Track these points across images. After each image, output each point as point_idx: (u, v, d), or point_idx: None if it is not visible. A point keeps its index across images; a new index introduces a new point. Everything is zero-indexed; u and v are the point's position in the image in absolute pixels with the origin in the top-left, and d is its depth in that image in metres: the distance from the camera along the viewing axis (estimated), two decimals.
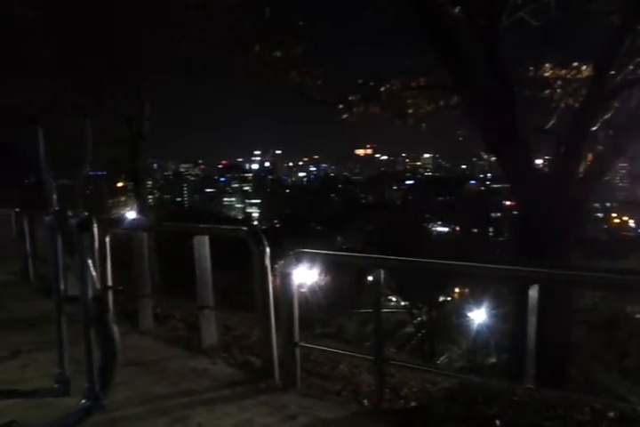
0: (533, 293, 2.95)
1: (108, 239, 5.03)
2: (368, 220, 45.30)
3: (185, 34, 7.72)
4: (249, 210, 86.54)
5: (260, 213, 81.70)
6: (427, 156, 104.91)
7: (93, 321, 2.70)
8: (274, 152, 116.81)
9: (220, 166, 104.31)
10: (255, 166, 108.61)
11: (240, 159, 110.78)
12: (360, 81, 6.90)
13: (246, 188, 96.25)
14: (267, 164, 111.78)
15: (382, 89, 6.55)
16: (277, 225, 54.01)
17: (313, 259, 3.83)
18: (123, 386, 3.43)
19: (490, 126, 5.47)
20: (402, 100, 6.54)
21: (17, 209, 7.51)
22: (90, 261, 2.79)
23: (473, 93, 5.35)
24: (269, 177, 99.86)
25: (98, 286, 2.73)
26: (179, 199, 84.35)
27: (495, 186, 65.67)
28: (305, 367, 3.87)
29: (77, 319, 2.85)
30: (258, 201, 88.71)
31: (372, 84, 6.76)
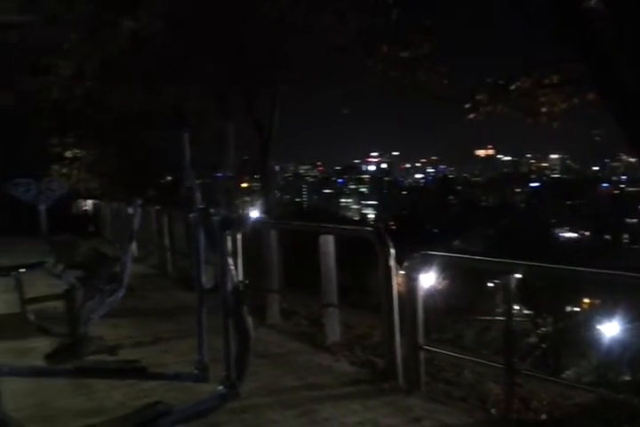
0: None
1: (239, 236, 5.31)
2: (488, 223, 43.68)
3: (315, 38, 7.94)
4: (365, 211, 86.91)
5: (375, 214, 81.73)
6: (554, 157, 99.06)
7: (231, 313, 2.85)
8: (391, 153, 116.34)
9: (337, 168, 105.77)
10: (372, 168, 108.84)
11: (357, 160, 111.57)
12: (489, 79, 6.69)
13: (363, 189, 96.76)
14: (383, 165, 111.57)
15: (513, 87, 6.30)
16: (393, 227, 53.71)
17: (438, 261, 3.78)
18: (252, 377, 3.59)
19: (632, 124, 5.04)
20: (534, 99, 6.24)
21: (157, 207, 8.15)
22: (228, 257, 2.96)
23: (613, 90, 4.97)
24: (386, 178, 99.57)
25: (235, 280, 2.88)
26: (297, 200, 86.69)
27: (631, 189, 60.61)
28: (428, 371, 3.83)
29: (214, 311, 3.04)
30: (374, 202, 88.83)
31: (501, 82, 6.52)
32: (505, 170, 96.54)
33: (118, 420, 2.60)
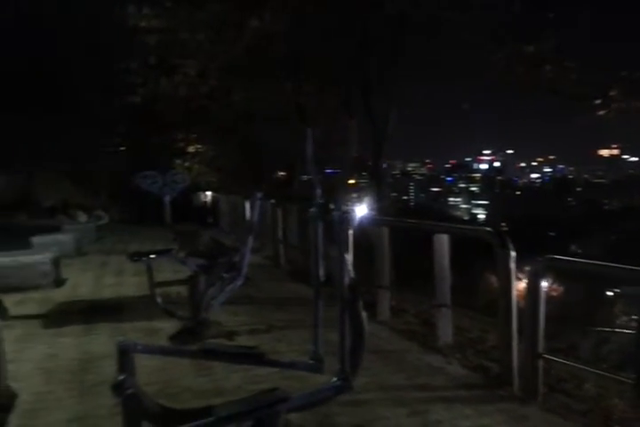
0: None
1: (350, 232, 5.36)
2: (611, 229, 40.70)
3: (439, 35, 7.80)
4: (475, 211, 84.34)
5: (486, 214, 79.07)
6: None
7: (347, 307, 2.89)
8: (505, 152, 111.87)
9: (447, 166, 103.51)
10: (484, 166, 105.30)
11: (468, 159, 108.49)
12: (623, 73, 6.20)
13: (473, 188, 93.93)
14: (496, 164, 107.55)
15: None
16: (505, 228, 51.61)
17: (564, 267, 3.59)
18: (363, 372, 3.62)
19: None
20: None
21: (272, 201, 8.43)
22: (346, 252, 3.00)
23: None
24: (498, 178, 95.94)
25: (352, 274, 2.91)
26: (404, 197, 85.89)
27: None
28: (545, 381, 3.65)
29: (327, 304, 3.09)
30: (484, 202, 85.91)
31: (638, 75, 6.02)
32: (631, 171, 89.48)
33: (238, 402, 2.72)
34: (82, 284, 7.57)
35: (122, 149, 24.90)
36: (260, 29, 7.96)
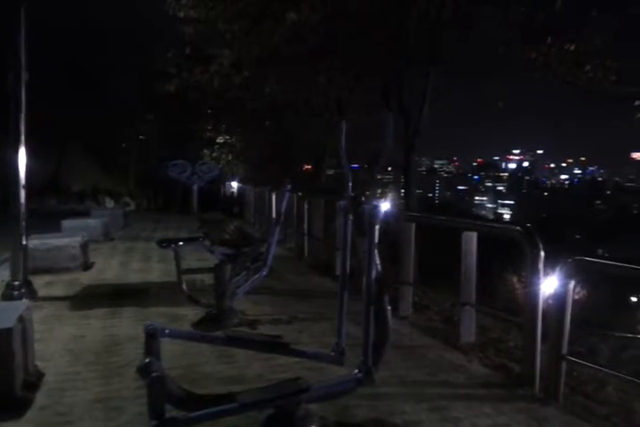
0: None
1: (377, 227, 5.35)
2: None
3: (476, 31, 7.71)
4: (500, 211, 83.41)
5: (511, 214, 78.12)
6: None
7: (373, 300, 2.90)
8: (534, 152, 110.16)
9: (474, 164, 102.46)
10: (512, 166, 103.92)
11: (496, 158, 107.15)
12: None
13: (500, 187, 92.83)
14: (525, 164, 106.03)
15: None
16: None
17: (591, 268, 3.54)
18: (383, 366, 3.64)
19: None
20: None
21: (299, 193, 8.45)
22: (375, 246, 3.00)
23: None
24: (526, 178, 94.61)
25: (380, 268, 2.92)
26: (429, 195, 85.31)
27: None
28: (567, 383, 3.62)
29: (351, 297, 3.11)
30: (511, 202, 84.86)
31: None
32: None
33: (260, 390, 2.76)
34: (109, 268, 7.71)
35: (152, 137, 25.21)
36: (298, 21, 7.96)
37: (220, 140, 21.44)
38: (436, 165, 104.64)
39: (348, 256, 3.15)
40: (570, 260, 3.32)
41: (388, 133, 3.10)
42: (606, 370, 3.59)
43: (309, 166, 19.86)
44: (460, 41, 7.99)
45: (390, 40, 8.02)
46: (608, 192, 78.63)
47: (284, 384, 2.79)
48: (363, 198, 3.01)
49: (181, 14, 9.24)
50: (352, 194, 3.02)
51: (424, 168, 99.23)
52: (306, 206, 8.37)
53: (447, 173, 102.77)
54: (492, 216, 72.51)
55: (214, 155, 21.50)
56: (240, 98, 12.41)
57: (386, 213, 5.31)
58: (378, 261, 3.00)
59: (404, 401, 3.32)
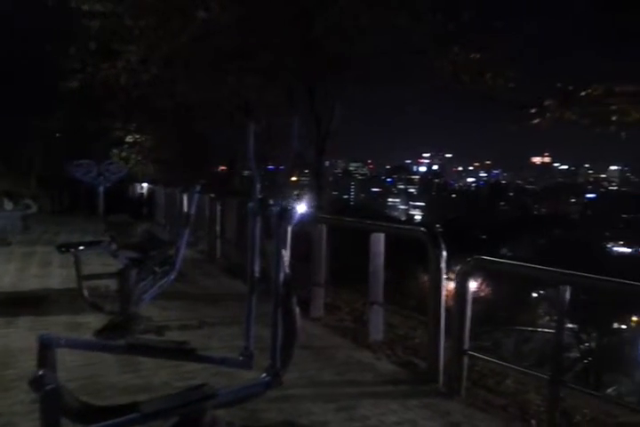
0: None
1: (289, 229, 5.35)
2: (539, 233, 42.57)
3: (387, 38, 7.89)
4: (412, 212, 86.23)
5: (422, 215, 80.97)
6: (613, 168, 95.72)
7: (281, 303, 2.89)
8: (443, 155, 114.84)
9: (388, 167, 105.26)
10: (423, 169, 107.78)
11: (408, 161, 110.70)
12: (559, 84, 6.50)
13: (411, 190, 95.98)
14: (435, 167, 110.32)
15: (583, 94, 6.11)
16: (439, 230, 53.02)
17: (491, 267, 3.73)
18: (293, 367, 3.64)
19: None
20: (605, 107, 6.03)
21: (211, 195, 8.31)
22: (283, 248, 2.99)
23: None
24: (436, 180, 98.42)
25: (287, 270, 2.92)
26: (345, 196, 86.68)
27: None
28: (469, 377, 3.79)
29: (261, 300, 3.09)
30: (422, 204, 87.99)
31: (571, 88, 6.33)
32: (560, 179, 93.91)
33: (164, 398, 2.67)
34: (5, 274, 7.22)
35: (57, 135, 23.87)
36: (207, 20, 7.82)
37: (129, 139, 20.68)
38: (351, 168, 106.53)
39: (257, 258, 3.13)
40: (469, 259, 3.47)
41: (294, 136, 3.10)
42: (504, 363, 3.78)
43: (225, 167, 19.59)
44: (374, 47, 8.16)
45: (302, 43, 8.07)
46: (511, 194, 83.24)
47: (190, 391, 2.72)
48: (271, 200, 2.99)
49: (86, 7, 8.82)
50: (260, 196, 3.00)
51: (340, 170, 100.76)
52: (218, 208, 8.25)
53: (362, 175, 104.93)
54: (404, 217, 74.77)
55: (123, 154, 20.71)
56: (149, 96, 12.03)
57: (302, 214, 5.32)
58: (286, 263, 3.00)
59: (312, 402, 3.34)
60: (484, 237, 47.26)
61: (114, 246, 4.96)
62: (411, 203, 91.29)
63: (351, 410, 3.26)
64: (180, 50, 8.56)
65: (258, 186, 3.00)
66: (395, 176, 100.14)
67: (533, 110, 6.52)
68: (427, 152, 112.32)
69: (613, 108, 6.04)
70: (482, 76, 6.96)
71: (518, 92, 7.00)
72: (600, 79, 6.30)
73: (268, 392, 2.98)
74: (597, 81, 6.27)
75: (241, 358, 3.11)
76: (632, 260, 41.49)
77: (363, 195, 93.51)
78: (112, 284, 5.53)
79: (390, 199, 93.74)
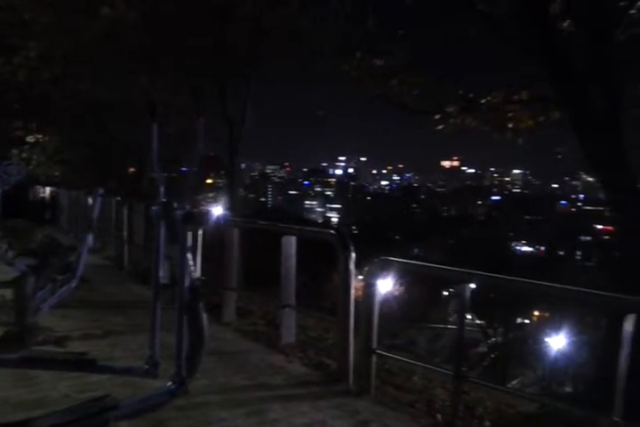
0: (628, 323, 2.80)
1: (200, 232, 5.26)
2: (449, 233, 44.42)
3: (294, 41, 7.94)
4: (329, 214, 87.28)
5: (339, 218, 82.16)
6: (516, 172, 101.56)
7: (186, 309, 2.83)
8: (358, 159, 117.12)
9: (304, 170, 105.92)
10: (339, 172, 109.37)
11: (325, 164, 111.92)
12: (460, 92, 6.81)
13: (328, 192, 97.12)
14: (350, 170, 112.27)
15: (482, 101, 6.44)
16: (355, 231, 54.07)
17: (397, 268, 3.83)
18: (203, 374, 3.57)
19: (594, 145, 5.23)
20: (502, 114, 6.39)
21: (117, 198, 8.00)
22: (189, 252, 2.93)
23: (579, 111, 5.14)
24: (352, 183, 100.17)
25: (194, 276, 2.86)
26: (262, 199, 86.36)
27: (588, 208, 62.53)
28: (379, 375, 3.87)
29: (168, 307, 3.01)
30: (338, 206, 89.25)
31: (471, 95, 6.66)
32: (468, 182, 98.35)
33: (61, 412, 2.54)
34: None
35: None
36: (113, 17, 7.53)
37: (30, 139, 19.50)
38: (267, 170, 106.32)
39: (162, 263, 3.04)
40: (376, 260, 3.56)
41: (199, 138, 3.05)
42: (409, 360, 3.90)
43: (134, 169, 18.90)
44: (281, 49, 8.21)
45: (210, 43, 7.96)
46: (422, 196, 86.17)
47: (90, 403, 2.61)
48: (176, 204, 2.92)
49: None
50: (164, 199, 2.93)
51: (257, 173, 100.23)
52: (126, 212, 7.95)
53: (279, 178, 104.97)
54: (321, 220, 75.59)
55: (24, 155, 19.49)
56: (51, 94, 11.41)
57: (218, 217, 5.23)
58: (192, 268, 2.94)
59: (221, 408, 3.28)
60: (397, 237, 48.70)
61: (10, 254, 4.66)
62: (327, 205, 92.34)
63: (262, 414, 3.24)
64: (84, 47, 8.17)
65: (162, 189, 2.93)
66: (312, 179, 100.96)
67: (437, 116, 6.80)
68: (343, 155, 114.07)
69: (510, 115, 6.42)
70: (387, 83, 7.17)
71: (426, 99, 7.26)
72: (499, 87, 6.67)
73: (175, 401, 2.91)
74: (497, 89, 6.64)
75: (146, 366, 3.02)
76: (533, 258, 44.28)
77: (280, 197, 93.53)
78: (9, 293, 5.19)
79: (307, 202, 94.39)
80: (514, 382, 22.81)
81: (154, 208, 2.92)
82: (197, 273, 5.27)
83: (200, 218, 3.29)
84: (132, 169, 19.13)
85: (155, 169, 2.98)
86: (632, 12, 5.68)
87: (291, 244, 4.50)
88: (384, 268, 3.59)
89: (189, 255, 2.92)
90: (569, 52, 5.21)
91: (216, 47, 7.94)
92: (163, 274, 3.01)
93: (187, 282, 2.81)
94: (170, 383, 2.81)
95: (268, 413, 3.26)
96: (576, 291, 3.20)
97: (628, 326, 2.79)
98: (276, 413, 3.26)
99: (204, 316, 2.91)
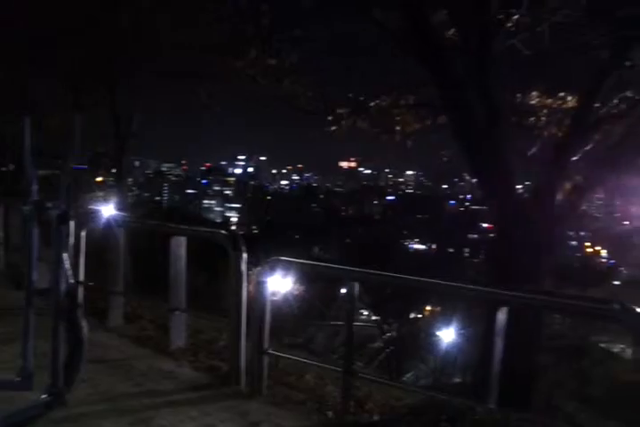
0: (502, 315, 3.00)
1: (83, 233, 4.98)
2: (346, 232, 45.43)
3: (179, 37, 7.73)
4: (228, 214, 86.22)
5: (238, 217, 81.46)
6: (410, 173, 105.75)
7: (63, 315, 2.67)
8: (258, 158, 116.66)
9: (202, 168, 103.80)
10: (238, 171, 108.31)
11: (224, 163, 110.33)
12: (350, 94, 6.98)
13: (227, 192, 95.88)
14: (250, 169, 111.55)
15: (372, 104, 6.64)
16: (255, 231, 53.83)
17: (288, 267, 3.85)
18: (85, 383, 3.39)
19: (475, 150, 5.55)
20: (390, 117, 6.62)
21: None
22: (65, 255, 2.77)
23: (460, 116, 5.44)
24: (251, 183, 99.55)
25: (71, 280, 2.70)
26: (158, 198, 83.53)
27: (474, 207, 66.42)
28: (272, 376, 3.86)
29: (46, 313, 2.82)
30: (238, 206, 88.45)
31: (362, 98, 6.84)
32: (365, 183, 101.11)
33: None
34: None
35: None
36: None
37: None
38: (163, 168, 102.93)
39: (35, 267, 2.85)
40: (268, 260, 3.55)
41: (76, 135, 2.88)
42: (300, 359, 3.93)
43: (14, 166, 17.57)
44: (170, 44, 7.97)
45: (87, 37, 7.57)
46: (322, 196, 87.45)
47: None
48: (50, 204, 2.74)
49: None
50: (36, 198, 2.74)
51: (151, 171, 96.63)
52: (1, 211, 7.37)
53: (176, 176, 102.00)
54: (220, 219, 74.47)
55: None
56: None
57: (109, 217, 4.96)
58: (69, 273, 2.77)
59: (103, 418, 3.13)
60: (297, 237, 49.06)
61: None
62: (227, 205, 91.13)
63: (148, 422, 3.13)
64: None
65: (34, 187, 2.74)
66: (210, 178, 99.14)
67: (329, 118, 6.92)
68: (242, 154, 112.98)
69: (398, 118, 6.67)
70: (280, 82, 7.19)
71: (319, 100, 7.35)
72: (389, 91, 6.90)
73: (52, 413, 2.74)
74: (386, 93, 6.87)
75: (18, 378, 2.82)
76: (426, 255, 46.40)
77: (177, 197, 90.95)
78: None
79: (206, 201, 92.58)
80: (408, 375, 23.70)
81: (25, 208, 2.73)
82: (82, 277, 5.00)
83: (80, 218, 3.12)
84: (11, 165, 17.78)
85: (26, 165, 2.78)
86: (509, 24, 6.10)
87: (180, 245, 4.37)
88: (274, 268, 3.59)
89: (66, 258, 2.75)
90: (451, 61, 5.48)
91: (95, 40, 7.55)
92: (37, 278, 2.82)
93: (63, 286, 2.64)
94: (45, 395, 2.63)
95: (155, 420, 3.15)
96: (456, 286, 3.38)
97: (502, 317, 2.99)
98: (163, 420, 3.16)
99: (84, 322, 2.75)
